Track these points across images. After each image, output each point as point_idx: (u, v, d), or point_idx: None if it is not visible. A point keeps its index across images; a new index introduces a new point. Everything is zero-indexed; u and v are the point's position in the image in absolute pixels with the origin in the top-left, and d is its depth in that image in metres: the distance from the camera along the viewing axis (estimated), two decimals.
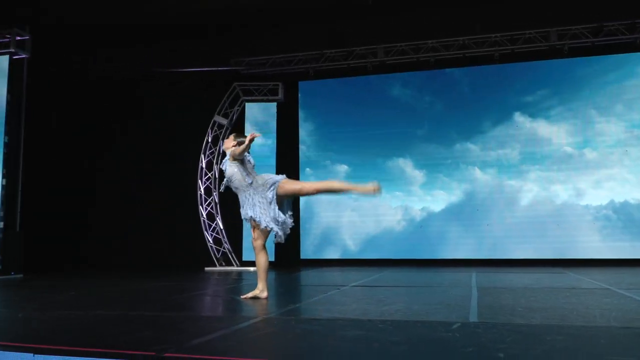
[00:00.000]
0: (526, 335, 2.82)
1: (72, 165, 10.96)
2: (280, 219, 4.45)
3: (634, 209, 8.91)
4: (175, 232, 10.40)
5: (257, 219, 4.45)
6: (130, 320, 3.51)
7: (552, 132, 9.41)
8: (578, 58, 9.32)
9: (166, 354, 2.37)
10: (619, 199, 9.00)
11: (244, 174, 4.55)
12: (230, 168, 4.59)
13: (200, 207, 9.73)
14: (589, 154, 9.23)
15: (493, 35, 9.29)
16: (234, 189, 4.68)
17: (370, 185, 4.44)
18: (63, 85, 10.79)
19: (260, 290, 4.61)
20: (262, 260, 4.60)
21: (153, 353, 2.38)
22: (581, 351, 2.46)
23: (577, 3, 9.21)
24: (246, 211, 4.53)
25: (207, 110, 10.02)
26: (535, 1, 9.35)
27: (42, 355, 2.43)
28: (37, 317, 3.75)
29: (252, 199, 4.52)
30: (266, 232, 4.54)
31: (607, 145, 9.16)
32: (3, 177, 8.12)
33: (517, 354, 2.37)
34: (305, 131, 10.52)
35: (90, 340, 2.75)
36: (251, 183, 4.52)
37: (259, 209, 4.47)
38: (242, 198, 4.60)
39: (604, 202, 9.05)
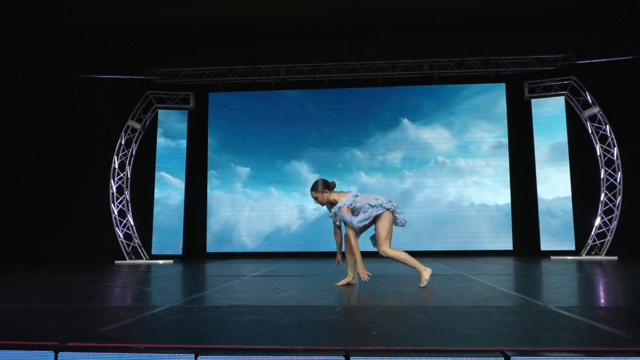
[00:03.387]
0: (396, 315, 2.95)
1: None
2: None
3: (490, 210, 9.67)
4: (89, 228, 9.76)
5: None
6: (37, 312, 3.23)
7: (428, 143, 9.99)
8: (448, 85, 9.97)
9: (69, 343, 2.20)
10: (478, 201, 9.74)
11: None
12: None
13: (112, 204, 9.19)
14: (456, 163, 9.89)
15: (378, 62, 9.65)
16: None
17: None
18: None
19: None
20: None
21: (56, 343, 2.20)
22: (439, 327, 2.61)
23: (445, 40, 9.86)
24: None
25: (122, 115, 9.52)
26: (413, 35, 9.89)
27: None
28: None
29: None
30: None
31: (472, 157, 9.87)
32: None
33: (387, 331, 2.47)
34: (213, 137, 10.31)
35: None
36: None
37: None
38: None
39: (466, 203, 9.75)
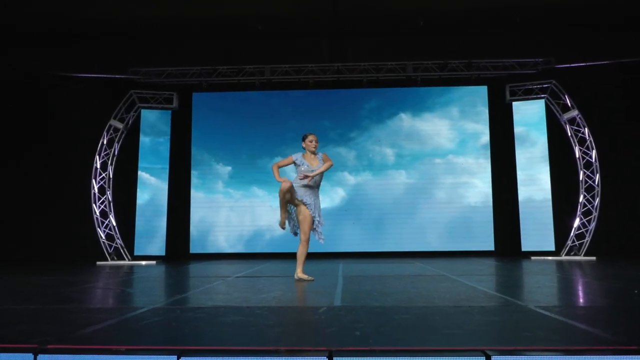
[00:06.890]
0: (379, 315, 2.95)
1: None
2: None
3: (472, 210, 9.77)
4: (69, 229, 9.59)
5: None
6: (16, 314, 3.17)
7: (412, 145, 10.05)
8: (431, 87, 10.04)
9: (49, 346, 2.16)
10: (460, 201, 9.83)
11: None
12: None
13: (94, 205, 9.06)
14: (439, 165, 9.96)
15: (362, 63, 9.67)
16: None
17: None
18: None
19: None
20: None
21: (35, 345, 2.16)
22: (421, 327, 2.62)
23: (428, 43, 9.92)
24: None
25: (104, 114, 9.40)
26: (396, 38, 9.94)
27: None
28: None
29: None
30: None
31: (455, 158, 9.95)
32: None
33: (370, 332, 2.47)
34: (197, 137, 10.25)
35: None
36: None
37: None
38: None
39: (449, 204, 9.82)
